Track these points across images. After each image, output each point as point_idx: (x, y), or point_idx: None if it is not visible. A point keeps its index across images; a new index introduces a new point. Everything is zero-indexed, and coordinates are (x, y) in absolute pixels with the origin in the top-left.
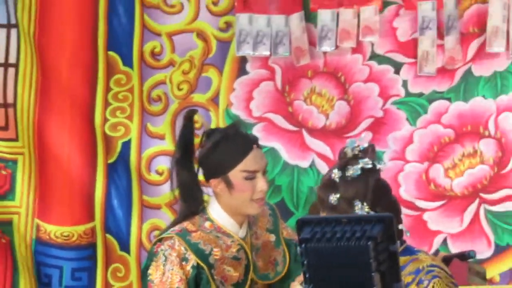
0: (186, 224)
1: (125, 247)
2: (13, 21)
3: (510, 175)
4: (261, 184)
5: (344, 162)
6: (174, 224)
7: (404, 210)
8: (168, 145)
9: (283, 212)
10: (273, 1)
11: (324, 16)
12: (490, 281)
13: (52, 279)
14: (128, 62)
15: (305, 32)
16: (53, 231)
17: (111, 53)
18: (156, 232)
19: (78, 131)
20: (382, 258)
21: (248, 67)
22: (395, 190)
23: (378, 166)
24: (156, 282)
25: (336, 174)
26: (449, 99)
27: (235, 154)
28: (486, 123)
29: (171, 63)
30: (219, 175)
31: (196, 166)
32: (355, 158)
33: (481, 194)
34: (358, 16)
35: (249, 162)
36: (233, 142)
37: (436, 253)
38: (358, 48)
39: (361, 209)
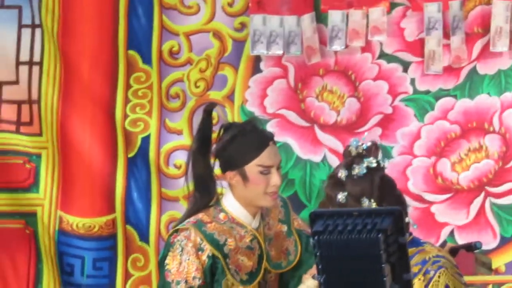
0: (201, 216)
1: (144, 237)
2: (37, 22)
3: None
4: (275, 178)
5: (350, 160)
6: (188, 215)
7: (412, 203)
8: (186, 140)
9: (296, 205)
10: (286, 2)
11: (335, 16)
12: (496, 271)
13: (74, 268)
14: (147, 60)
15: (316, 32)
16: (76, 222)
17: (131, 52)
18: (174, 224)
19: (99, 126)
20: (392, 250)
21: (262, 65)
22: (403, 184)
23: (382, 164)
24: (173, 271)
25: (342, 173)
26: (455, 96)
27: (252, 149)
28: (491, 119)
29: (189, 62)
30: (235, 168)
31: (212, 160)
32: (360, 157)
33: (487, 188)
34: (367, 17)
35: (265, 157)
36: (251, 137)
37: (444, 244)
38: (367, 47)
39: (368, 205)
